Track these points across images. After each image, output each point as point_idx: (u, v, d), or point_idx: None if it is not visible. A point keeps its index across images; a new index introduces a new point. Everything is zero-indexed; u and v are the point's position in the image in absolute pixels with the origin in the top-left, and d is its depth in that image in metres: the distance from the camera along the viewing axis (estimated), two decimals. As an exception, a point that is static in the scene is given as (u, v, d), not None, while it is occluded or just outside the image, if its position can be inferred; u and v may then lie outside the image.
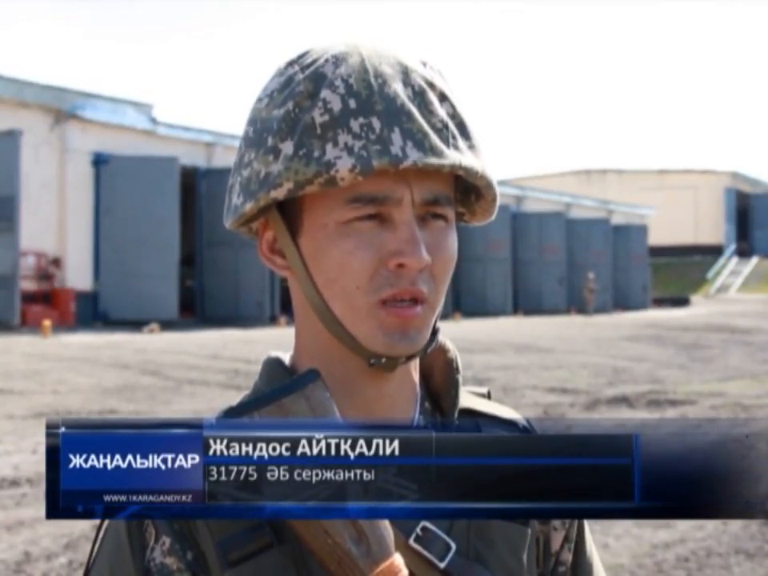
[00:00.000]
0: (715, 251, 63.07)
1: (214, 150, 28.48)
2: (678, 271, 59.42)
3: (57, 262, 24.75)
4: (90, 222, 25.32)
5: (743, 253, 64.55)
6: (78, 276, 24.86)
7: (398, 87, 0.94)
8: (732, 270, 60.30)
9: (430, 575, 0.96)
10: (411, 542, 0.96)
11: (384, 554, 0.88)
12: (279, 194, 0.94)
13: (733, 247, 64.11)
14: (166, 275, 25.17)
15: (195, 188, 27.74)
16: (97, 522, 0.95)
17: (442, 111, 0.96)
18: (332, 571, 0.88)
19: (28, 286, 23.57)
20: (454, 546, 0.97)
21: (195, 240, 28.09)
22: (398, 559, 0.89)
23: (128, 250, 24.87)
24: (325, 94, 0.93)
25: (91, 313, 24.86)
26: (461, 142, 0.96)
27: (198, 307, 27.63)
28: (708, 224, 64.03)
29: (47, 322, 20.35)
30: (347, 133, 0.92)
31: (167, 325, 23.80)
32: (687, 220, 64.17)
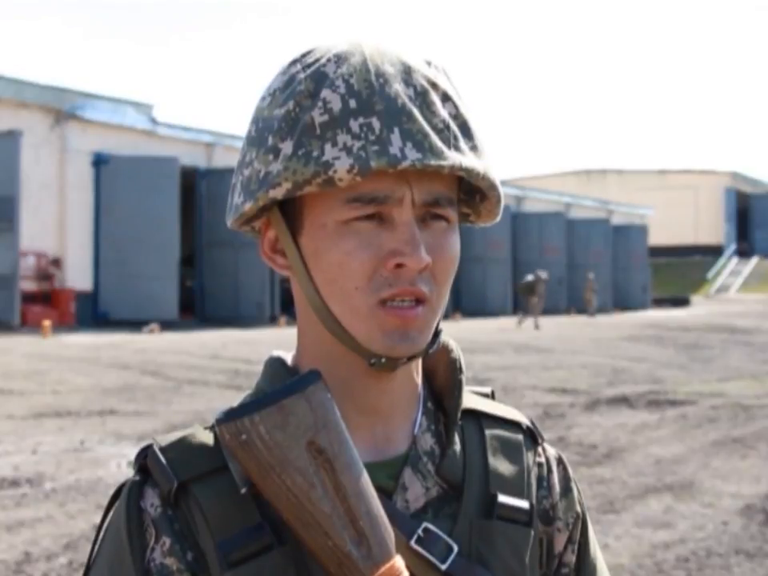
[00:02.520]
0: (715, 251, 63.10)
1: (213, 150, 28.48)
2: (678, 271, 59.42)
3: (57, 262, 24.75)
4: (90, 222, 25.32)
5: (743, 253, 64.59)
6: (78, 276, 24.86)
7: (399, 87, 0.93)
8: (732, 270, 60.32)
9: (431, 577, 0.96)
10: (412, 543, 0.95)
11: (385, 555, 0.87)
12: (278, 193, 0.94)
13: (733, 247, 64.13)
14: (166, 275, 25.17)
15: (195, 188, 27.74)
16: (97, 521, 0.95)
17: (443, 112, 0.95)
18: (332, 573, 0.87)
19: (28, 286, 23.57)
20: (455, 547, 0.97)
21: (195, 240, 28.10)
22: (398, 561, 0.88)
23: (128, 250, 24.87)
24: (325, 93, 0.93)
25: (91, 313, 24.86)
26: (462, 143, 0.95)
27: (198, 307, 27.64)
28: (708, 224, 64.04)
29: (47, 322, 20.35)
30: (346, 133, 0.91)
31: (167, 325, 23.80)
32: (687, 220, 64.18)
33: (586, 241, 39.80)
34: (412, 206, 0.94)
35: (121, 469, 7.64)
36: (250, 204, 0.97)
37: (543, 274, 28.70)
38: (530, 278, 28.22)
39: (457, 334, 21.03)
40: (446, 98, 0.96)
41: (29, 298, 23.46)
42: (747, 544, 5.99)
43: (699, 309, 39.83)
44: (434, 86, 0.96)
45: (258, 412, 0.87)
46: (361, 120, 0.91)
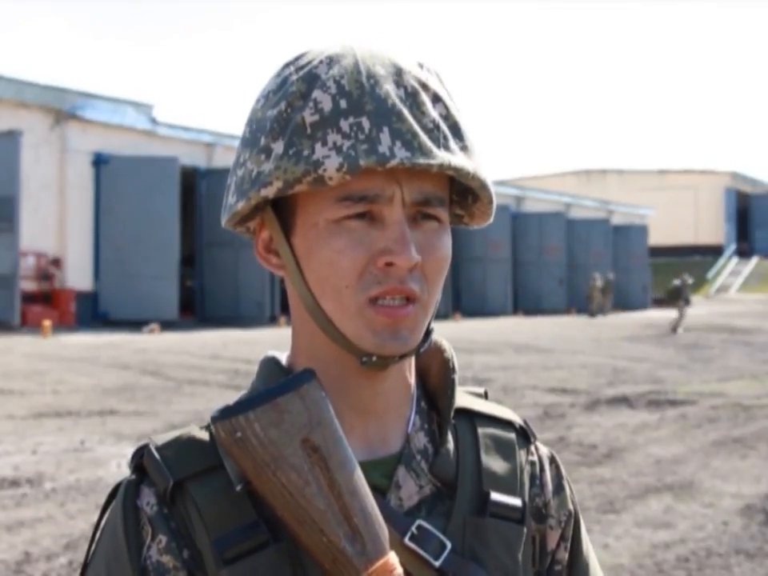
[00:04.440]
0: (715, 251, 63.11)
1: (214, 150, 28.48)
2: (678, 271, 59.36)
3: (57, 262, 24.75)
4: (90, 222, 25.33)
5: (743, 253, 64.61)
6: (78, 276, 24.86)
7: (389, 88, 0.94)
8: (732, 270, 60.33)
9: (425, 574, 0.96)
10: (406, 540, 0.96)
11: (379, 552, 0.88)
12: (269, 192, 0.95)
13: (733, 247, 64.15)
14: (166, 275, 25.17)
15: (195, 188, 27.75)
16: (96, 521, 0.95)
17: (434, 112, 0.96)
18: (327, 569, 0.88)
19: (28, 286, 23.57)
20: (449, 544, 0.97)
21: (195, 240, 28.10)
22: (392, 557, 0.89)
23: (128, 250, 24.87)
24: (316, 94, 0.94)
25: (91, 313, 24.87)
26: (452, 143, 0.96)
27: (198, 307, 27.64)
28: (708, 224, 64.05)
29: (47, 322, 20.36)
30: (336, 132, 0.92)
31: (167, 325, 23.81)
32: (687, 220, 64.19)
33: (586, 241, 39.82)
34: (402, 205, 0.95)
35: (121, 469, 7.65)
36: (243, 203, 0.98)
37: (689, 279, 29.73)
38: (677, 282, 28.81)
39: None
40: (436, 98, 0.97)
41: (29, 298, 23.46)
42: (747, 544, 5.99)
43: (699, 309, 39.84)
44: (425, 87, 0.97)
45: (253, 410, 0.87)
46: (351, 120, 0.92)
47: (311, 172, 0.92)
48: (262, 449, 0.87)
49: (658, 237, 57.99)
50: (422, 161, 0.92)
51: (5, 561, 5.38)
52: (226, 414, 0.88)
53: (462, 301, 33.90)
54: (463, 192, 1.04)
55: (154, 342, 18.70)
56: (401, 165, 0.92)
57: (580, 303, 37.01)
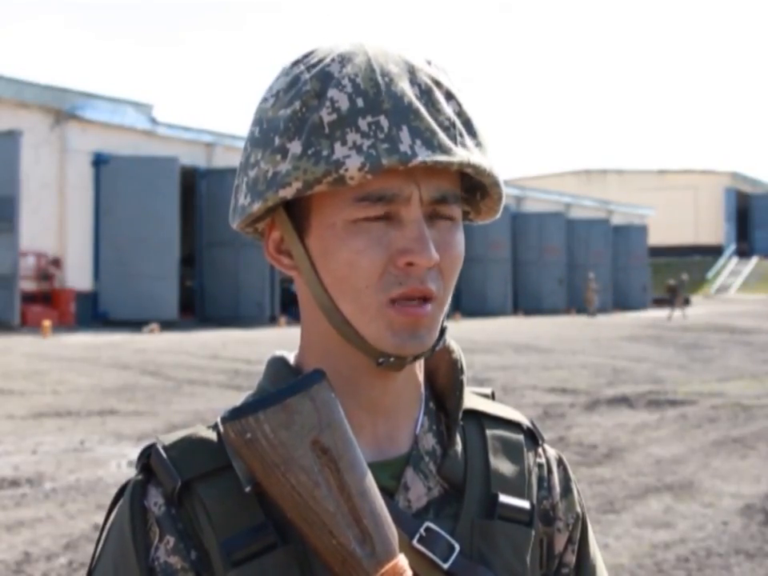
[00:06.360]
0: (715, 251, 63.15)
1: (214, 150, 28.48)
2: (678, 271, 59.43)
3: (57, 262, 24.75)
4: (90, 222, 25.33)
5: (743, 253, 64.67)
6: (78, 276, 24.87)
7: (404, 86, 0.94)
8: (732, 270, 60.38)
9: (433, 576, 0.96)
10: (415, 542, 0.96)
11: (388, 554, 0.87)
12: (288, 193, 0.94)
13: (733, 247, 64.21)
14: (166, 275, 25.17)
15: (195, 188, 27.75)
16: (96, 521, 0.95)
17: (448, 109, 0.96)
18: (336, 572, 0.88)
19: (28, 286, 23.57)
20: (457, 546, 0.97)
21: (195, 240, 28.11)
22: (402, 560, 0.88)
23: (128, 250, 24.88)
24: (332, 93, 0.93)
25: (91, 313, 24.87)
26: (468, 140, 0.96)
27: (198, 307, 27.64)
28: (708, 224, 64.09)
29: (47, 322, 20.36)
30: (355, 132, 0.92)
31: (167, 325, 23.80)
32: (687, 220, 64.23)
33: (586, 241, 39.84)
34: (420, 204, 0.95)
35: (121, 469, 7.65)
36: (259, 204, 0.96)
37: None
38: None
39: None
40: (449, 96, 0.97)
41: (29, 298, 23.46)
42: (747, 544, 6.00)
43: (699, 309, 39.84)
44: (438, 84, 0.97)
45: (263, 411, 0.87)
46: (369, 119, 0.92)
47: (332, 172, 0.91)
48: (271, 450, 0.86)
49: (657, 237, 58.01)
50: (443, 159, 0.92)
51: (5, 561, 5.37)
52: (235, 414, 0.88)
53: (462, 301, 33.90)
54: (471, 188, 1.04)
55: (154, 342, 18.69)
56: (423, 164, 0.91)
57: (580, 303, 37.02)
